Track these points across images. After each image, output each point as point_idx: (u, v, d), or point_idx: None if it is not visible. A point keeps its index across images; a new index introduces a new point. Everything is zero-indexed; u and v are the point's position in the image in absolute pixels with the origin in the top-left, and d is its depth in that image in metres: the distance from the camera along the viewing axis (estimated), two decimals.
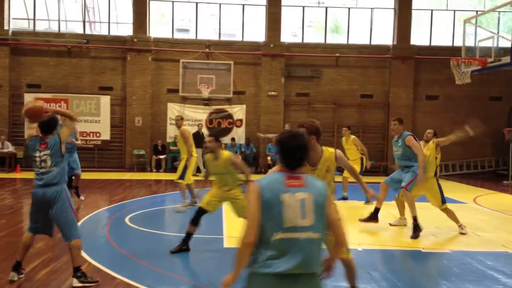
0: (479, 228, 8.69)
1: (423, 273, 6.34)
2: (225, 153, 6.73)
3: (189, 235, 6.71)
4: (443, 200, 8.19)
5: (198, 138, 16.44)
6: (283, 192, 2.77)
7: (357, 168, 10.90)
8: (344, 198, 11.43)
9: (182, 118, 10.57)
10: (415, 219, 7.85)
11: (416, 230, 7.83)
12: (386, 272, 5.99)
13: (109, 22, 19.40)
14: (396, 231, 8.48)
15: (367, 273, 5.88)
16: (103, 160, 18.73)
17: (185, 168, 9.86)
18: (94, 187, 13.46)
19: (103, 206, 10.64)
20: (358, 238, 7.71)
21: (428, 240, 7.80)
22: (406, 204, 8.37)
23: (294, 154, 2.88)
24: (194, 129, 18.63)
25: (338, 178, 10.95)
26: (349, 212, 10.22)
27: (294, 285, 2.71)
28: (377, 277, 5.75)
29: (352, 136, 11.62)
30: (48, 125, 5.38)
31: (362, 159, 11.57)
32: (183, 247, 6.69)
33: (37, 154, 5.29)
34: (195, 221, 6.71)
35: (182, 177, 9.84)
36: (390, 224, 8.75)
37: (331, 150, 4.37)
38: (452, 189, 14.43)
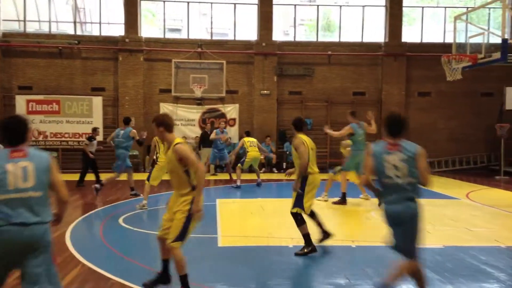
0: (472, 224, 8.75)
1: None
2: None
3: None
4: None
5: (206, 137, 16.56)
6: (7, 162, 3.57)
7: None
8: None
9: None
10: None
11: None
12: (380, 268, 6.00)
13: (100, 23, 19.31)
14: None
15: (361, 269, 5.90)
16: (96, 161, 18.61)
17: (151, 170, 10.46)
18: (88, 188, 13.41)
19: (97, 207, 10.60)
20: (351, 235, 7.74)
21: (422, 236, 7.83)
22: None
23: (10, 133, 3.69)
24: (188, 129, 18.69)
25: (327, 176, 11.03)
26: (344, 210, 10.26)
27: (24, 233, 3.47)
28: (371, 273, 5.77)
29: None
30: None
31: None
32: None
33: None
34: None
35: (148, 178, 10.42)
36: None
37: (177, 141, 4.84)
38: (445, 185, 14.51)
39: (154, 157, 10.73)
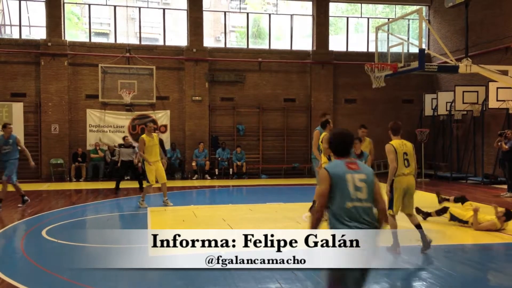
0: None
1: None
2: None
3: None
4: None
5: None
6: None
7: None
8: None
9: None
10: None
11: None
12: (311, 271, 6.14)
13: (20, 25, 18.33)
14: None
15: (291, 273, 6.00)
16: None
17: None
18: (8, 199, 12.59)
19: (18, 219, 10.00)
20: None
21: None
22: None
23: None
24: (117, 136, 18.10)
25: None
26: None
27: None
28: (302, 276, 5.89)
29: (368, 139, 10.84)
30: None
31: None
32: None
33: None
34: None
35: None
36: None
37: None
38: None
39: None
